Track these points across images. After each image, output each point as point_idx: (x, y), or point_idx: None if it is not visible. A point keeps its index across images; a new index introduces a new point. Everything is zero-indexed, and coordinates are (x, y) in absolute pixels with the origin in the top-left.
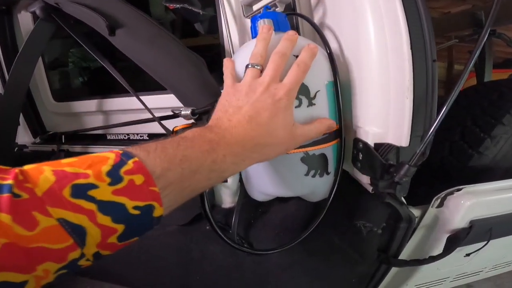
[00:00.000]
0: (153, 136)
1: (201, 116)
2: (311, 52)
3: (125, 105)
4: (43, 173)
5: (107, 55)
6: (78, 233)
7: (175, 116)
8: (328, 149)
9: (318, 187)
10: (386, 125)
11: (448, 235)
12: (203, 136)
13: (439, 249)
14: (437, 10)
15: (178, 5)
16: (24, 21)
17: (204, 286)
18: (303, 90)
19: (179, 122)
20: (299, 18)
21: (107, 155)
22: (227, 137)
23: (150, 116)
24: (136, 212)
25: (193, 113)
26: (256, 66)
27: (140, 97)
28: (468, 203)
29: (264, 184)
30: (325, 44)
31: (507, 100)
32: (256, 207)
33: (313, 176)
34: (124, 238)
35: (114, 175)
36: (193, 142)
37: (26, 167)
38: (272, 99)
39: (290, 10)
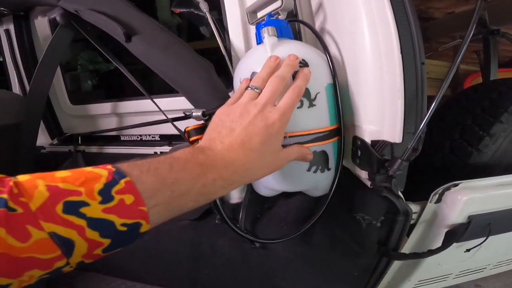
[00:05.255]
0: (164, 137)
1: (211, 117)
2: (305, 77)
3: (138, 107)
4: (38, 187)
5: (121, 59)
6: (66, 246)
7: (186, 117)
8: (329, 146)
9: (319, 182)
10: (381, 123)
11: (446, 229)
12: (195, 158)
13: (438, 244)
14: (441, 10)
15: (184, 10)
16: (41, 26)
17: (213, 279)
18: (305, 92)
19: (190, 123)
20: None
21: (101, 172)
22: (218, 161)
23: (162, 117)
24: (124, 228)
25: (203, 114)
26: (255, 89)
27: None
28: (465, 198)
29: (268, 180)
30: (325, 49)
31: (506, 99)
32: (262, 202)
33: (315, 171)
34: (109, 250)
35: (105, 194)
36: (185, 165)
37: (21, 178)
38: (265, 123)
39: (292, 17)
